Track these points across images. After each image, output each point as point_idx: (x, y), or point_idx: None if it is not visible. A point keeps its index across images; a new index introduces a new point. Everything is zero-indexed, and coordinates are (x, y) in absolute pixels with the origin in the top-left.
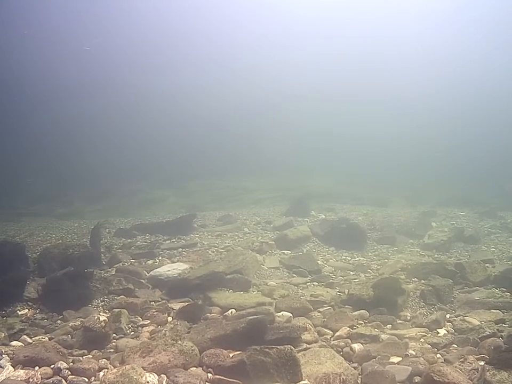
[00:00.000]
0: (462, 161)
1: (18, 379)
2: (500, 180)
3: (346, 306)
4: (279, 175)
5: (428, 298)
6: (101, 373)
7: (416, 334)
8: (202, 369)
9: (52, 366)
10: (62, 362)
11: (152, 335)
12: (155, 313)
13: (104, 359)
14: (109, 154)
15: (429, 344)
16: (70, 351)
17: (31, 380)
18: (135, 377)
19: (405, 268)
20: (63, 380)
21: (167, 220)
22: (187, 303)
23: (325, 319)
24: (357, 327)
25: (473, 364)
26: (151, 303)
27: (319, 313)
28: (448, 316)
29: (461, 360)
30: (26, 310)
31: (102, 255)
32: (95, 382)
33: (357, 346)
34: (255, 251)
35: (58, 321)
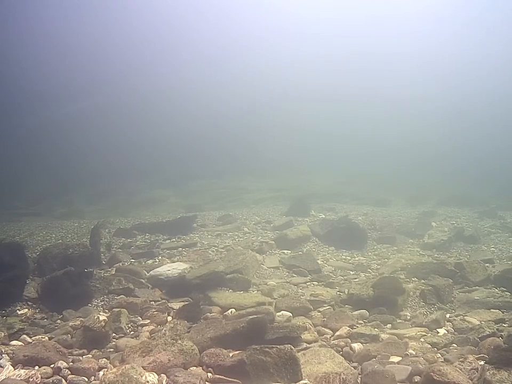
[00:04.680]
0: (462, 161)
1: (18, 378)
2: (500, 179)
3: (346, 305)
4: (279, 175)
5: (428, 298)
6: (101, 373)
7: (416, 334)
8: (202, 369)
9: (52, 366)
10: (62, 361)
11: (152, 335)
12: (155, 312)
13: (104, 359)
14: (109, 154)
15: (428, 343)
16: (69, 350)
17: (31, 379)
18: (135, 376)
19: (405, 267)
20: (63, 379)
21: (167, 219)
22: (187, 303)
23: (325, 319)
24: (357, 326)
25: (473, 364)
26: (151, 302)
27: (319, 313)
28: (448, 315)
29: (460, 359)
30: (26, 310)
31: (102, 254)
32: (95, 381)
33: (357, 346)
34: (255, 251)
35: (58, 321)
